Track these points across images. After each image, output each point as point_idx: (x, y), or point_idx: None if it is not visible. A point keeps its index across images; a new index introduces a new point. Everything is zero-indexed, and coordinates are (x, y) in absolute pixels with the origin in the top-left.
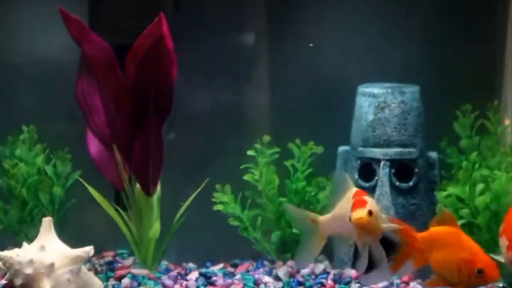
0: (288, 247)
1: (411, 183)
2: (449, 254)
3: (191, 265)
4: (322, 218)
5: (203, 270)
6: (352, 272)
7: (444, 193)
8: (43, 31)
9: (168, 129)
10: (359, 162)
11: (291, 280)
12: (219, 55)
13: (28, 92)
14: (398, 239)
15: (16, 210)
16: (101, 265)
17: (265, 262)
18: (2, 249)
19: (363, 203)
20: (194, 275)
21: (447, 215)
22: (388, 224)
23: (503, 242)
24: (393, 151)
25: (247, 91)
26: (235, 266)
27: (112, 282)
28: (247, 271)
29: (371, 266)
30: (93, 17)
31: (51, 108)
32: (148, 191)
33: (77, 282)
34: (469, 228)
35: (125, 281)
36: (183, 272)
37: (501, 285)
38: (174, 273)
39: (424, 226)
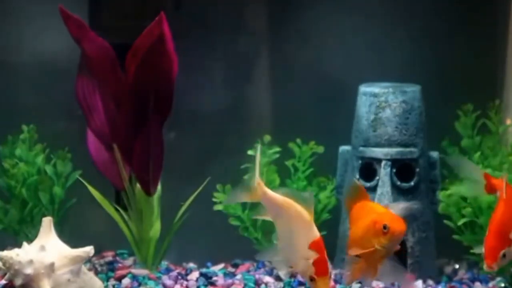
0: None
1: (412, 183)
2: (361, 225)
3: (191, 265)
4: (267, 190)
5: (204, 270)
6: None
7: (447, 192)
8: (43, 30)
9: (168, 129)
10: (360, 161)
11: (292, 280)
12: (220, 55)
13: (28, 92)
14: None
15: (16, 210)
16: (101, 265)
17: (266, 262)
18: (2, 249)
19: None
20: (194, 275)
21: (356, 187)
22: None
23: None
24: (394, 150)
25: (247, 90)
26: (235, 266)
27: (112, 282)
28: (248, 271)
29: None
30: (93, 17)
31: (51, 108)
32: (148, 191)
33: (77, 282)
34: (471, 227)
35: (126, 281)
36: (183, 272)
37: (502, 285)
38: (174, 273)
39: (425, 226)
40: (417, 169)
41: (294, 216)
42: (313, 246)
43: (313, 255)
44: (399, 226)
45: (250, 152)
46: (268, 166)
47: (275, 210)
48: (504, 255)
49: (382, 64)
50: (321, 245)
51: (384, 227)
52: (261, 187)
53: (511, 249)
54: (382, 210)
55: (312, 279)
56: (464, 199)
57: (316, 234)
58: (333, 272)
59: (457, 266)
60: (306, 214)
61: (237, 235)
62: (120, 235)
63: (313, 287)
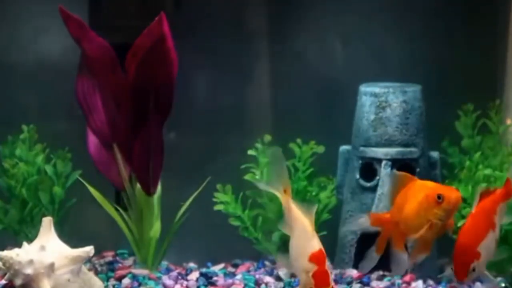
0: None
1: None
2: (413, 204)
3: (191, 265)
4: (291, 200)
5: (204, 270)
6: (354, 272)
7: None
8: (43, 30)
9: (168, 129)
10: (360, 161)
11: (292, 280)
12: (220, 54)
13: (28, 92)
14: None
15: (16, 210)
16: (101, 265)
17: (266, 262)
18: (2, 249)
19: None
20: (194, 275)
21: (401, 176)
22: None
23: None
24: (394, 150)
25: (248, 90)
26: (236, 266)
27: (112, 282)
28: (248, 271)
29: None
30: (93, 17)
31: (51, 108)
32: (148, 190)
33: (77, 282)
34: None
35: (126, 281)
36: (183, 272)
37: (503, 285)
38: (174, 273)
39: None
40: (418, 169)
41: (299, 229)
42: (312, 258)
43: (312, 268)
44: (454, 193)
45: (250, 152)
46: (268, 166)
47: (289, 221)
48: (473, 269)
49: (382, 64)
50: (320, 257)
51: (439, 196)
52: (288, 193)
53: (480, 263)
54: (432, 184)
55: None
56: (463, 199)
57: (316, 246)
58: (334, 273)
59: None
60: (309, 227)
61: (237, 235)
62: (120, 235)
63: None
